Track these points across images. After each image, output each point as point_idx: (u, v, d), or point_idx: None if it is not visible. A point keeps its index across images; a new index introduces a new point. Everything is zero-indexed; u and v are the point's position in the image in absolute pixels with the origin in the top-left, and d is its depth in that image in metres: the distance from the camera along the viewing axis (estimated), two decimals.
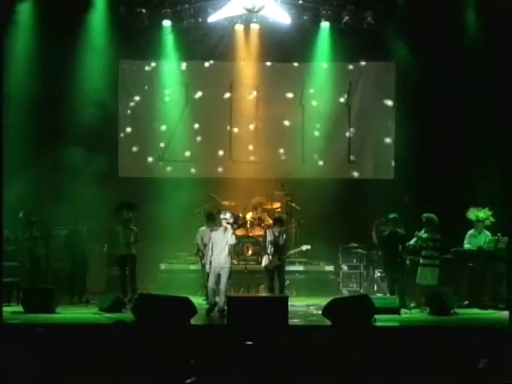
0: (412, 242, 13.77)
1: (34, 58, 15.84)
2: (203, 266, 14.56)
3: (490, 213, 14.12)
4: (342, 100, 17.63)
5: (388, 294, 14.05)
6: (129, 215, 14.44)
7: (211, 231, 13.53)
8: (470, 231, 14.28)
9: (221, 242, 13.11)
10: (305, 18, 16.60)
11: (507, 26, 12.58)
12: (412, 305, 13.72)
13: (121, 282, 14.38)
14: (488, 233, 14.14)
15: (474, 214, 14.18)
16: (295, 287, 15.28)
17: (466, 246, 14.26)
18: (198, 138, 17.62)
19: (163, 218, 15.86)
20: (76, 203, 15.20)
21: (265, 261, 14.18)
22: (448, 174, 16.21)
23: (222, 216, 13.85)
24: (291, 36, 16.64)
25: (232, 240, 13.20)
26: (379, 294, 14.70)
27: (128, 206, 14.52)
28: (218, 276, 13.02)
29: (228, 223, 13.45)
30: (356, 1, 16.32)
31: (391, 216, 14.00)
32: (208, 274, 14.07)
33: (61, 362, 9.67)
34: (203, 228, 14.71)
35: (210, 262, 13.10)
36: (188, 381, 9.08)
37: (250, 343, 10.11)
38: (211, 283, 13.05)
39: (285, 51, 17.10)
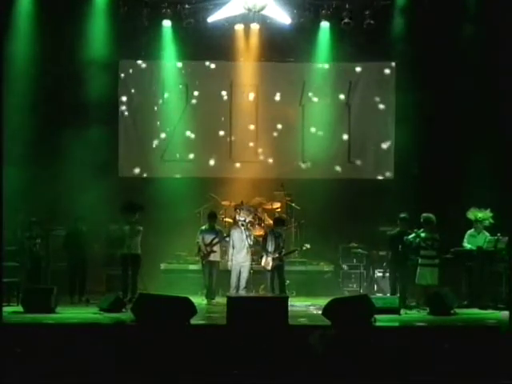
0: (410, 237, 13.76)
1: (31, 55, 15.85)
2: (204, 265, 14.68)
3: (491, 214, 14.10)
4: (342, 100, 17.63)
5: (388, 294, 14.07)
6: (135, 216, 14.44)
7: (231, 230, 14.69)
8: (470, 231, 14.30)
9: (240, 242, 14.40)
10: (305, 18, 16.60)
11: (508, 27, 12.56)
12: (412, 305, 13.73)
13: (123, 282, 14.37)
14: (487, 233, 14.14)
15: (473, 213, 14.19)
16: (295, 287, 15.27)
17: (465, 245, 14.27)
18: (198, 138, 17.61)
19: (163, 217, 15.88)
20: (76, 203, 15.21)
21: (265, 261, 14.24)
22: (448, 173, 16.22)
23: (237, 217, 14.98)
24: (291, 36, 16.62)
25: (248, 241, 14.40)
26: (379, 294, 14.71)
27: (135, 207, 14.52)
28: (239, 273, 14.38)
29: (242, 224, 14.58)
30: (356, 1, 16.31)
31: (401, 216, 14.02)
32: (209, 274, 14.35)
33: (60, 361, 9.68)
34: (205, 227, 14.77)
35: (232, 260, 14.47)
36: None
37: None
38: (234, 280, 14.35)
39: (285, 51, 17.10)
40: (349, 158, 17.65)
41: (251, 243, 14.48)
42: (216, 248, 14.58)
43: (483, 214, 14.12)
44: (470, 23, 16.03)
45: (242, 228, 14.57)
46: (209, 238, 14.57)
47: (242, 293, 14.14)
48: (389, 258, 14.55)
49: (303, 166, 17.61)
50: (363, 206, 16.36)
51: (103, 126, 16.34)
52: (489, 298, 13.76)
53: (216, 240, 14.53)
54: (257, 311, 11.08)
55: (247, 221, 14.83)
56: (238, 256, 14.43)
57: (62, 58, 16.15)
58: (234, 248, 14.49)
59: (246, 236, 14.38)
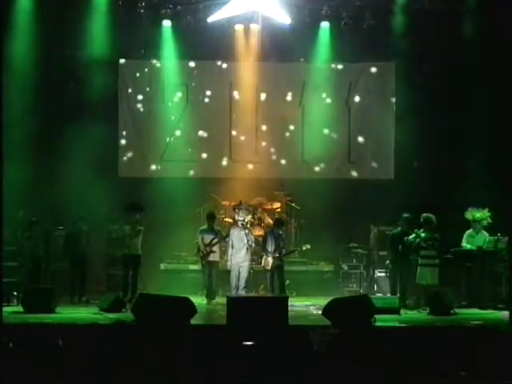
0: (411, 237, 13.77)
1: (31, 55, 15.83)
2: (203, 265, 14.67)
3: (489, 214, 14.11)
4: (342, 100, 17.63)
5: (388, 294, 14.07)
6: (136, 217, 14.45)
7: (231, 230, 14.63)
8: (468, 231, 14.30)
9: (239, 241, 14.30)
10: (305, 18, 16.61)
11: (508, 27, 12.56)
12: (412, 305, 13.73)
13: (123, 282, 14.41)
14: (486, 233, 14.14)
15: (471, 213, 14.19)
16: (295, 287, 15.27)
17: (464, 246, 14.27)
18: (198, 138, 17.61)
19: (163, 217, 15.88)
20: (76, 203, 15.21)
21: (265, 261, 14.24)
22: (448, 173, 16.22)
23: (237, 217, 14.90)
24: (291, 36, 16.62)
25: (249, 241, 14.28)
26: (379, 294, 14.71)
27: (137, 208, 14.53)
28: (238, 273, 14.27)
29: (242, 224, 14.52)
30: (356, 1, 16.31)
31: (404, 215, 14.02)
32: (208, 274, 14.35)
33: (61, 362, 9.67)
34: (204, 227, 14.77)
35: (231, 260, 14.39)
36: None
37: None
38: (233, 280, 14.26)
39: (285, 51, 17.11)
40: (349, 158, 17.66)
41: (252, 244, 14.43)
42: (215, 248, 14.58)
43: (481, 214, 14.11)
44: (470, 23, 16.01)
45: (242, 227, 14.56)
46: (208, 238, 14.58)
47: (242, 293, 14.13)
48: (389, 258, 14.55)
49: (303, 166, 17.61)
50: (363, 206, 16.36)
51: (103, 126, 16.31)
52: (489, 298, 13.76)
53: (215, 240, 14.54)
54: (257, 311, 11.08)
55: (246, 220, 14.82)
56: (237, 256, 14.40)
57: (63, 57, 16.15)
58: (233, 248, 14.46)
59: (246, 236, 14.35)
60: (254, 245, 14.53)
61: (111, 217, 15.16)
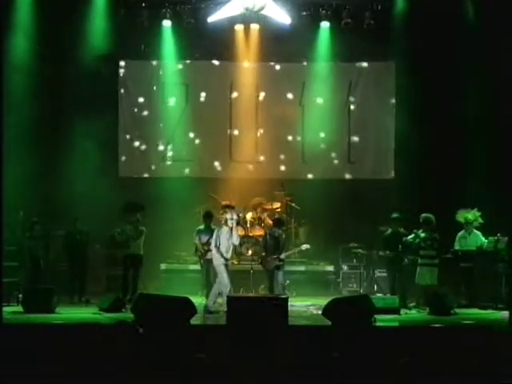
0: (410, 237, 13.78)
1: (31, 55, 15.84)
2: (202, 265, 14.65)
3: (479, 214, 14.13)
4: (342, 100, 17.64)
5: (388, 294, 14.07)
6: (137, 216, 14.45)
7: (218, 230, 13.81)
8: (460, 233, 14.31)
9: (227, 241, 13.50)
10: (305, 18, 16.63)
11: (508, 25, 12.56)
12: (412, 305, 13.73)
13: (124, 282, 14.37)
14: (478, 232, 14.15)
15: (462, 215, 14.20)
16: (295, 287, 15.27)
17: (457, 247, 14.27)
18: (198, 138, 17.63)
19: (163, 217, 15.89)
20: (76, 203, 15.22)
21: (264, 261, 14.20)
22: (448, 174, 16.23)
23: (227, 216, 14.07)
24: (291, 36, 16.64)
25: (236, 240, 13.53)
26: (379, 294, 14.72)
27: (137, 207, 14.53)
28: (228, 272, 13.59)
29: (238, 223, 14.09)
30: (356, 1, 16.33)
31: (393, 216, 14.03)
32: (207, 272, 14.25)
33: (61, 362, 9.68)
34: (201, 227, 14.75)
35: (223, 259, 13.56)
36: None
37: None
38: (226, 280, 13.39)
39: (285, 51, 17.13)
40: (349, 158, 17.67)
41: (237, 243, 14.08)
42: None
43: (472, 215, 14.13)
44: (470, 23, 16.02)
45: (230, 227, 14.19)
46: (205, 237, 14.53)
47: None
48: (384, 259, 14.56)
49: (303, 166, 17.63)
50: (363, 206, 16.37)
51: (103, 126, 16.33)
52: (489, 297, 13.75)
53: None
54: (257, 311, 11.07)
55: (235, 218, 14.48)
56: (227, 255, 13.67)
57: (62, 57, 16.17)
58: (220, 248, 13.76)
59: (235, 234, 13.99)
60: (238, 243, 14.12)
61: (111, 217, 15.13)
